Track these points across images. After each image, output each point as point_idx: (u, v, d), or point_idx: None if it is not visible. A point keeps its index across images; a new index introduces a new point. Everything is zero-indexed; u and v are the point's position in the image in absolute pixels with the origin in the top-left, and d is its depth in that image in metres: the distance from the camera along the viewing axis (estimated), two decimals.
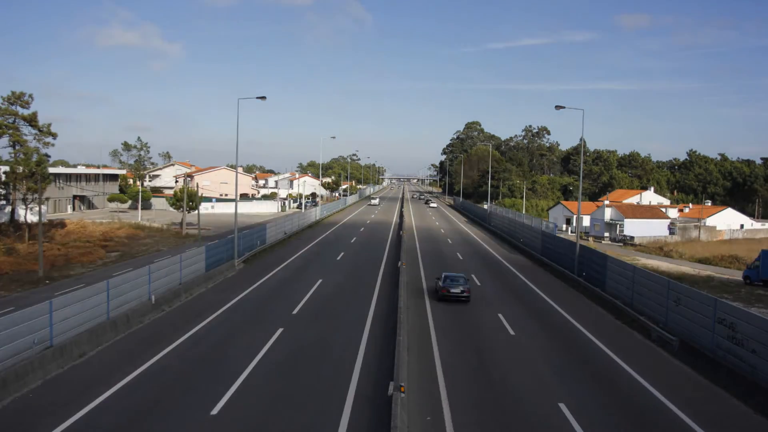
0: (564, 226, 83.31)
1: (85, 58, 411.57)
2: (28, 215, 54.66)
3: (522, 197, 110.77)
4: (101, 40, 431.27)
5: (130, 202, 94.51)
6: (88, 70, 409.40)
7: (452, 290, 29.13)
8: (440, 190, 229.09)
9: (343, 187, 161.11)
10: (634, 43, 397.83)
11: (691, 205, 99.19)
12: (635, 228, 73.73)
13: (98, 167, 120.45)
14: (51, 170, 64.14)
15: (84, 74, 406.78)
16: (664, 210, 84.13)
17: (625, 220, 74.79)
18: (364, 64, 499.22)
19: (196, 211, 65.59)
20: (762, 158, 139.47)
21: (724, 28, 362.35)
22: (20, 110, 49.28)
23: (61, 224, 55.98)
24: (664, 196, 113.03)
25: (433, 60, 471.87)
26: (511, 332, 24.07)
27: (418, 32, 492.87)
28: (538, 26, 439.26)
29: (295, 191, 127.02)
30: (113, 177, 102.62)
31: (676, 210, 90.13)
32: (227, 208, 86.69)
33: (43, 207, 56.49)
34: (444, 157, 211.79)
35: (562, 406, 16.24)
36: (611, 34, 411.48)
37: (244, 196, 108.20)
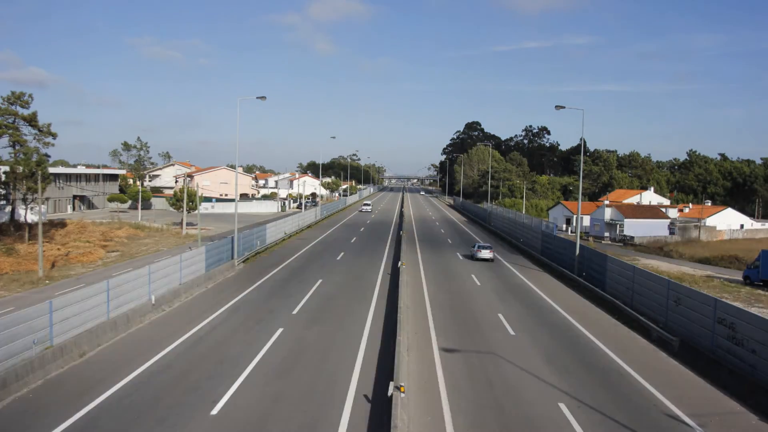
0: (564, 226, 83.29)
1: (87, 61, 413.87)
2: (28, 215, 54.67)
3: (522, 197, 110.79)
4: (104, 43, 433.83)
5: (130, 202, 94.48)
6: (90, 72, 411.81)
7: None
8: (440, 190, 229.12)
9: (343, 187, 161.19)
10: (634, 46, 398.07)
11: (691, 205, 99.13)
12: (635, 228, 73.68)
13: (98, 167, 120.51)
14: (51, 170, 64.03)
15: (86, 76, 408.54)
16: (664, 210, 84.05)
17: (625, 220, 74.76)
18: (365, 65, 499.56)
19: (196, 211, 65.61)
20: (762, 158, 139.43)
21: (723, 32, 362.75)
22: (20, 110, 49.26)
23: (61, 224, 55.96)
24: (664, 196, 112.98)
25: (436, 62, 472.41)
26: (511, 332, 24.07)
27: (421, 35, 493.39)
28: (540, 29, 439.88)
29: (295, 191, 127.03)
30: (113, 177, 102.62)
31: (676, 210, 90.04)
32: (227, 208, 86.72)
33: (43, 207, 56.53)
34: (444, 157, 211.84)
35: (562, 406, 16.24)
36: (612, 37, 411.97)
37: (244, 196, 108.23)
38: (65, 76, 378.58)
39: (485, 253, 44.44)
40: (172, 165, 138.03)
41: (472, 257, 45.13)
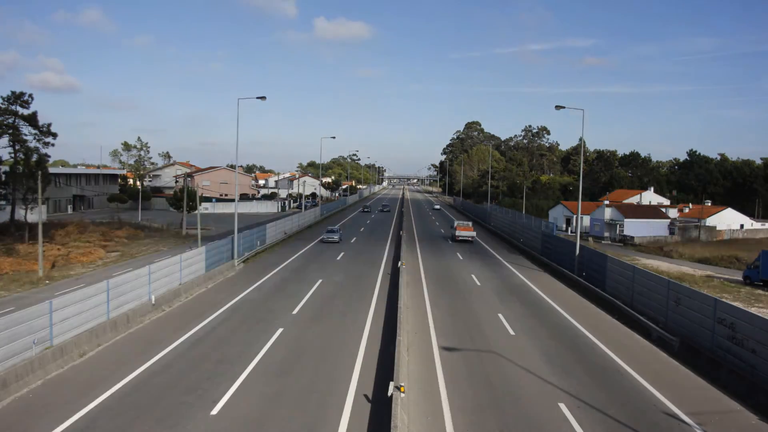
0: (564, 226, 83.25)
1: (106, 65, 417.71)
2: (28, 215, 54.66)
3: (522, 197, 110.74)
4: (123, 49, 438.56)
5: (130, 202, 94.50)
6: (108, 75, 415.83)
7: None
8: (440, 190, 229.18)
9: (343, 187, 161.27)
10: (634, 49, 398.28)
11: (691, 205, 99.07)
12: (635, 228, 73.62)
13: (98, 167, 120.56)
14: (51, 170, 64.13)
15: (88, 74, 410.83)
16: (664, 210, 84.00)
17: (625, 220, 74.72)
18: (366, 66, 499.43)
19: (196, 211, 65.55)
20: (762, 158, 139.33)
21: (722, 35, 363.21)
22: (20, 110, 49.27)
23: (61, 224, 55.95)
24: (664, 196, 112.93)
25: (438, 64, 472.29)
26: (511, 332, 24.07)
27: (424, 38, 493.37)
28: (542, 32, 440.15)
29: (295, 191, 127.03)
30: (113, 177, 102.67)
31: (676, 210, 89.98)
32: (227, 208, 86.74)
33: (43, 207, 56.47)
34: (444, 157, 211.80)
35: (562, 406, 16.24)
36: (612, 40, 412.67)
37: (244, 196, 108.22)
38: (86, 80, 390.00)
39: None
40: (172, 165, 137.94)
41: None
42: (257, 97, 39.99)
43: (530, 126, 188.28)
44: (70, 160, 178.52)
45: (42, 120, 50.18)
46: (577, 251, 37.16)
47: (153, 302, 25.65)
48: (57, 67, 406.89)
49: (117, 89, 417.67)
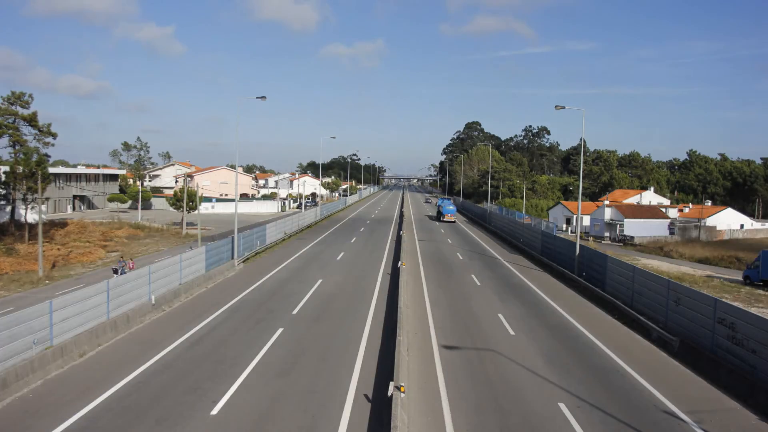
0: (564, 226, 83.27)
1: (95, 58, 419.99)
2: (28, 215, 54.69)
3: (522, 197, 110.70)
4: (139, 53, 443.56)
5: (130, 202, 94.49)
6: (125, 78, 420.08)
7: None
8: (440, 190, 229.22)
9: (343, 187, 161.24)
10: (634, 51, 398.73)
11: (691, 205, 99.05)
12: (635, 228, 73.64)
13: (98, 167, 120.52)
14: (51, 170, 64.04)
15: (89, 74, 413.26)
16: (664, 210, 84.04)
17: (625, 220, 74.71)
18: (368, 68, 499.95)
19: (196, 211, 65.62)
20: (762, 158, 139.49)
21: (721, 38, 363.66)
22: (20, 110, 49.28)
23: (61, 224, 55.95)
24: (664, 196, 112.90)
25: (439, 65, 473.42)
26: (511, 332, 24.07)
27: (426, 41, 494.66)
28: (543, 36, 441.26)
29: (295, 191, 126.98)
30: (113, 177, 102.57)
31: (676, 210, 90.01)
32: (227, 208, 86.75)
33: (43, 207, 56.50)
34: (444, 157, 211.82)
35: (562, 406, 16.24)
36: (612, 42, 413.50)
37: (244, 196, 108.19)
38: (108, 81, 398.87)
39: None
40: (172, 165, 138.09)
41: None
42: (257, 97, 40.02)
43: (530, 126, 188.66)
44: (72, 159, 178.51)
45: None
46: (577, 251, 37.16)
47: (153, 302, 25.65)
48: (96, 71, 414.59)
49: (129, 91, 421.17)
